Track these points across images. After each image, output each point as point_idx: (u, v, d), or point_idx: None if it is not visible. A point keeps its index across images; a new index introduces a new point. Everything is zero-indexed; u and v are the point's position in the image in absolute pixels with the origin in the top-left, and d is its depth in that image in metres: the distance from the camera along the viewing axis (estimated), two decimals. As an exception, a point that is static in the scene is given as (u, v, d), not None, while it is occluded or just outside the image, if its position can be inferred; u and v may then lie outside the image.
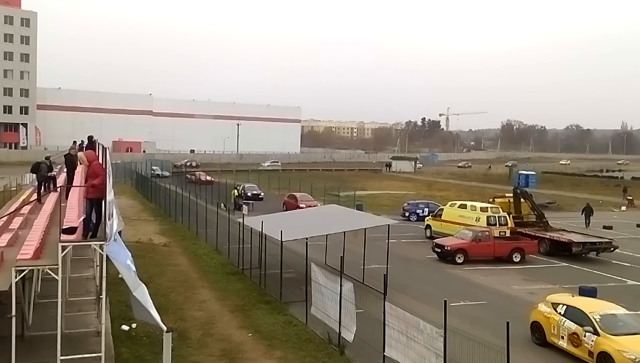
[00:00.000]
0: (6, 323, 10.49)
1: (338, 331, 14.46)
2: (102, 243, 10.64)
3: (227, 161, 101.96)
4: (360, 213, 31.78)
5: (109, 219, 10.75)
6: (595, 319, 14.09)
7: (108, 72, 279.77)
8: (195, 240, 29.99)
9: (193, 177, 63.71)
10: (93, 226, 11.13)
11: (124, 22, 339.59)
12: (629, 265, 27.66)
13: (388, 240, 21.45)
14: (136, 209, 42.82)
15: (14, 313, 10.28)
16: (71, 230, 11.01)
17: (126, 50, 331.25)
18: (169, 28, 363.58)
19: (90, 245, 11.55)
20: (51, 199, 16.99)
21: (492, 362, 11.38)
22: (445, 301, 11.01)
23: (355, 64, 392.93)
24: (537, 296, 20.57)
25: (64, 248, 10.35)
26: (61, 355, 10.58)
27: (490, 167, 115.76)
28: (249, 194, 47.82)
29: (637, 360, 12.79)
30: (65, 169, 19.79)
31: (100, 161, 12.73)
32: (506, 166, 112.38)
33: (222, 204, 36.20)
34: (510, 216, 31.59)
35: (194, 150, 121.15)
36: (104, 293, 11.52)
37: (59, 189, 16.62)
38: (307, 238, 18.91)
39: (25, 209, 15.66)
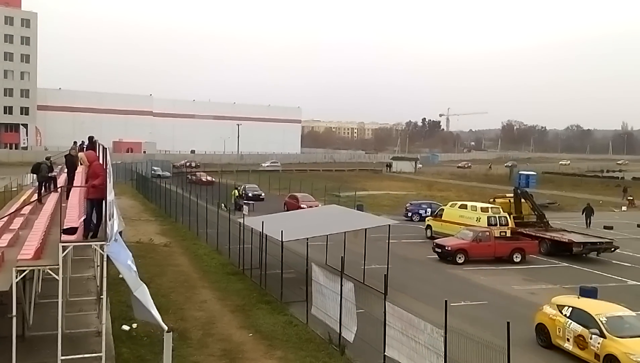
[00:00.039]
0: (7, 323, 10.50)
1: (338, 331, 14.46)
2: (102, 243, 10.65)
3: (227, 161, 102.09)
4: (361, 213, 31.77)
5: (110, 220, 10.76)
6: (601, 321, 13.89)
7: (108, 72, 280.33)
8: (195, 240, 30.01)
9: (194, 177, 63.78)
10: (94, 227, 11.14)
11: (124, 22, 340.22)
12: (629, 265, 27.65)
13: (388, 240, 21.46)
14: (137, 209, 42.85)
15: (14, 313, 10.28)
16: (72, 230, 11.02)
17: (126, 50, 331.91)
18: (169, 28, 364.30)
19: (90, 245, 11.55)
20: (52, 199, 17.01)
21: (493, 362, 11.37)
22: (445, 301, 11.01)
23: (355, 64, 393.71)
24: (537, 296, 20.61)
25: (64, 248, 10.36)
26: (62, 355, 10.59)
27: (490, 167, 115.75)
28: (250, 194, 47.84)
29: None
30: (65, 170, 19.80)
31: (101, 161, 12.75)
32: (506, 166, 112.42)
33: (223, 205, 36.24)
34: (511, 216, 31.59)
35: (194, 150, 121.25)
36: (104, 293, 11.52)
37: (59, 189, 16.62)
38: (307, 238, 18.92)
39: (26, 209, 15.68)
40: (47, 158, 19.52)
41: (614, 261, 28.15)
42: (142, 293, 10.58)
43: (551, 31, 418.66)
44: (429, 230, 33.86)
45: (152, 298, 10.90)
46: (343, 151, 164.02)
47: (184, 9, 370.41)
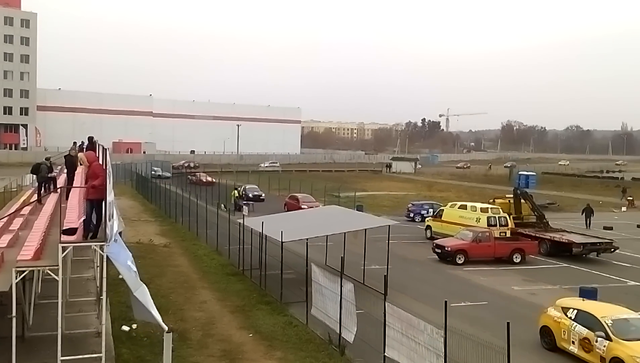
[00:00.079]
0: (6, 324, 10.49)
1: (338, 331, 14.45)
2: (102, 243, 10.64)
3: (227, 161, 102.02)
4: (361, 213, 31.79)
5: (109, 220, 10.75)
6: (607, 324, 13.71)
7: (108, 72, 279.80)
8: (195, 241, 30.00)
9: (194, 178, 63.80)
10: (93, 227, 11.13)
11: (124, 22, 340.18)
12: (629, 265, 27.66)
13: (388, 240, 21.46)
14: (136, 210, 42.85)
15: (14, 313, 10.27)
16: (71, 231, 11.01)
17: (126, 50, 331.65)
18: (169, 28, 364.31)
19: (90, 245, 11.54)
20: (51, 200, 17.00)
21: (493, 363, 11.37)
22: (445, 301, 11.00)
23: (355, 64, 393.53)
24: (537, 297, 20.62)
25: (64, 249, 10.35)
26: (61, 356, 10.58)
27: (490, 168, 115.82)
28: (250, 195, 47.81)
29: None
30: (65, 170, 19.78)
31: (101, 162, 12.74)
32: (505, 166, 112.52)
33: (223, 205, 36.22)
34: (511, 216, 31.59)
35: (194, 151, 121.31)
36: (104, 293, 11.51)
37: (59, 190, 16.60)
38: (307, 239, 18.91)
39: (26, 210, 15.67)
40: (47, 159, 19.48)
41: (613, 262, 28.15)
42: (142, 293, 10.58)
43: (551, 31, 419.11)
44: (428, 231, 33.86)
45: (152, 299, 10.90)
46: (343, 152, 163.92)
47: (184, 9, 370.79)
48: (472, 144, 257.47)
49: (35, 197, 18.08)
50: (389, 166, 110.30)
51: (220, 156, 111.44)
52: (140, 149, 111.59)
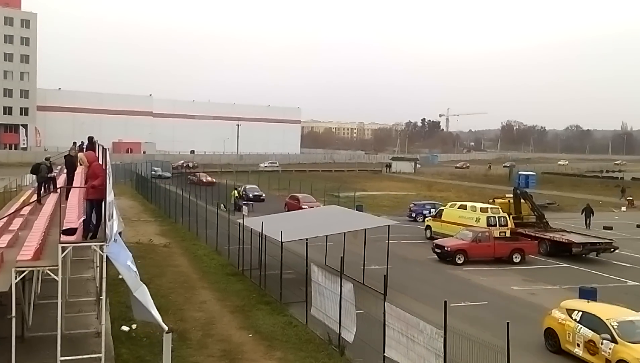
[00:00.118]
0: (6, 324, 10.49)
1: (338, 332, 14.45)
2: (102, 244, 10.64)
3: (227, 161, 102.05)
4: (360, 213, 31.78)
5: (109, 220, 10.75)
6: (612, 326, 13.57)
7: (108, 72, 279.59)
8: (195, 241, 29.99)
9: (194, 178, 63.76)
10: (93, 227, 11.13)
11: (124, 22, 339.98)
12: (629, 265, 27.66)
13: (388, 240, 21.45)
14: (136, 210, 42.84)
15: (14, 314, 10.27)
16: (71, 231, 11.01)
17: (126, 50, 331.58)
18: (169, 28, 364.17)
19: (90, 245, 11.54)
20: (51, 200, 16.99)
21: (493, 363, 11.37)
22: (445, 301, 11.00)
23: (355, 64, 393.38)
24: (537, 296, 20.63)
25: (64, 249, 10.35)
26: (61, 356, 10.58)
27: (490, 167, 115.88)
28: (251, 195, 47.81)
29: None
30: (65, 170, 19.78)
31: (100, 162, 12.73)
32: (505, 166, 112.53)
33: (222, 205, 36.22)
34: (510, 216, 31.59)
35: (194, 151, 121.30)
36: (104, 294, 11.51)
37: (59, 190, 16.61)
38: (307, 239, 18.91)
39: (25, 210, 15.66)
40: (47, 159, 19.47)
41: (613, 262, 28.16)
42: (142, 293, 10.57)
43: (551, 31, 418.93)
44: (428, 231, 33.87)
45: (152, 299, 10.89)
46: (342, 152, 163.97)
47: (183, 9, 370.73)
48: (472, 144, 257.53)
49: (35, 197, 18.07)
50: (388, 166, 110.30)
51: (220, 156, 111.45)
52: (140, 149, 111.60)
